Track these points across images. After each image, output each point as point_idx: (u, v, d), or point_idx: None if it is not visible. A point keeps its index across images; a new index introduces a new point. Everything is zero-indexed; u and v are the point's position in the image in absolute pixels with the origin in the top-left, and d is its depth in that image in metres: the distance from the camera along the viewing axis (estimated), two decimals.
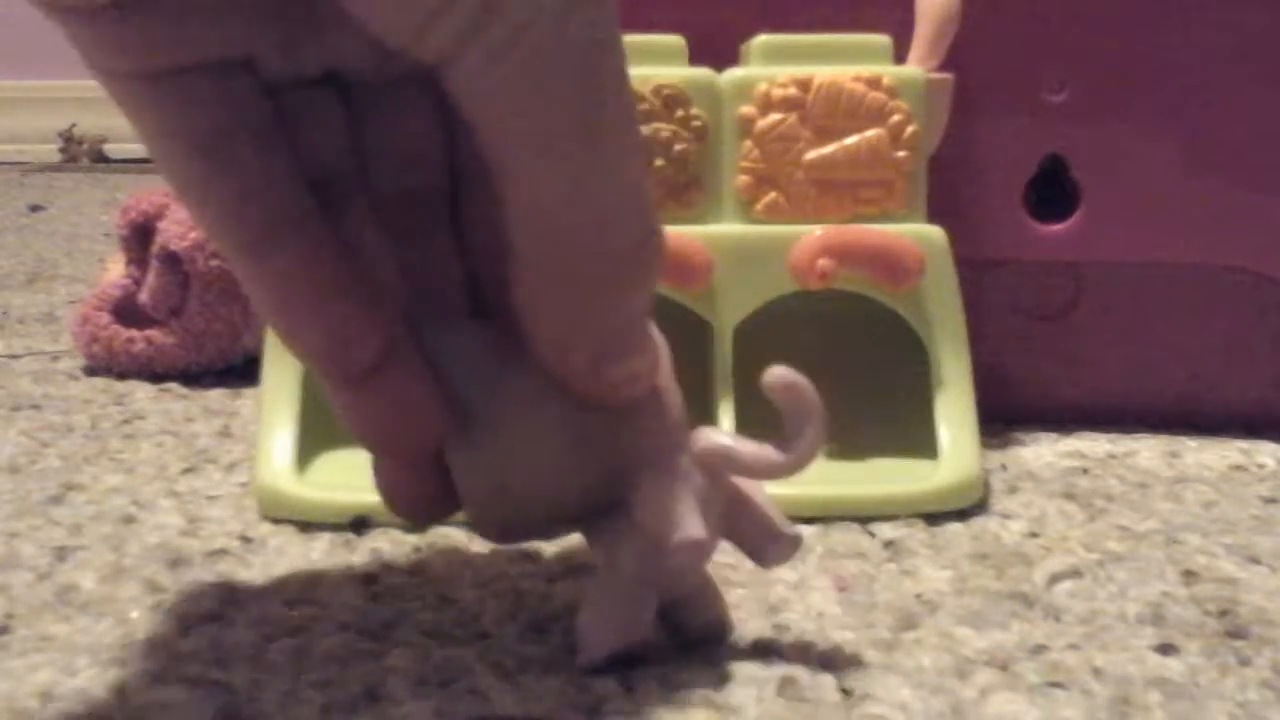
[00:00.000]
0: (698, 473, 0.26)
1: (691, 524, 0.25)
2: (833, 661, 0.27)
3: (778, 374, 0.25)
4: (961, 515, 0.36)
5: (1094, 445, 0.44)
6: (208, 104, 0.23)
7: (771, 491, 0.35)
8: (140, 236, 0.54)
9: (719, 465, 0.26)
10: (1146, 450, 0.43)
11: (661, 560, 0.25)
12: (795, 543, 0.27)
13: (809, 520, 0.36)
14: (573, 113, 0.21)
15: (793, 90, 0.39)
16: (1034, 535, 0.35)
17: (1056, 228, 0.45)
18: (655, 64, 0.40)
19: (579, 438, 0.26)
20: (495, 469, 0.26)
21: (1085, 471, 0.41)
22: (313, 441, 0.38)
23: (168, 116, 0.23)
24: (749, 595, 0.31)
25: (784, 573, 0.32)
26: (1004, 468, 0.41)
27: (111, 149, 1.71)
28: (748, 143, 0.40)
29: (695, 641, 0.28)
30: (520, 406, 0.26)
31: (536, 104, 0.21)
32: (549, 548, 0.34)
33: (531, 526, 0.28)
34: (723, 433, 0.27)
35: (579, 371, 0.25)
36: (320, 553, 0.34)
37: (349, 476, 0.37)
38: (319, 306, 0.25)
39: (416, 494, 0.27)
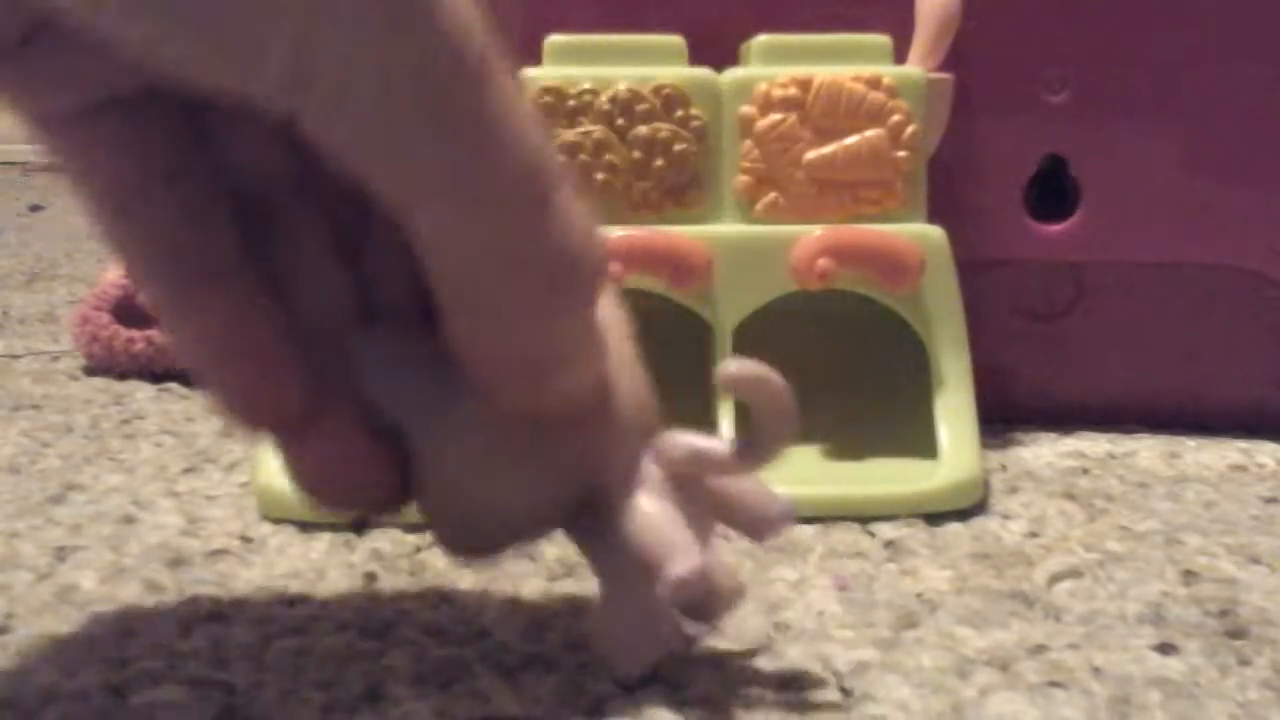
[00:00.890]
0: (673, 480, 0.26)
1: (684, 553, 0.24)
2: (832, 661, 0.27)
3: (730, 368, 0.24)
4: (961, 515, 0.36)
5: (1094, 445, 0.44)
6: (113, 150, 0.22)
7: None
8: None
9: (692, 469, 0.26)
10: (1146, 450, 0.43)
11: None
12: (788, 514, 0.26)
13: (809, 520, 0.36)
14: (435, 147, 0.20)
15: (793, 90, 0.39)
16: (1034, 535, 0.35)
17: (1056, 228, 0.45)
18: (655, 64, 0.40)
19: (534, 451, 0.25)
20: (451, 496, 0.25)
21: (1085, 471, 0.41)
22: None
23: (76, 165, 0.23)
24: (749, 595, 0.31)
25: (784, 572, 0.32)
26: (1004, 468, 0.41)
27: None
28: (748, 143, 0.40)
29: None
30: (468, 428, 0.25)
31: (393, 145, 0.20)
32: (549, 548, 0.34)
33: (501, 544, 0.27)
34: (688, 435, 0.26)
35: (513, 396, 0.23)
36: (320, 553, 0.34)
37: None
38: (234, 363, 0.24)
39: (352, 475, 0.25)
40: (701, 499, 0.26)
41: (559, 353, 0.23)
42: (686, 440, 0.26)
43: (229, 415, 0.25)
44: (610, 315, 0.25)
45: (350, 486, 0.25)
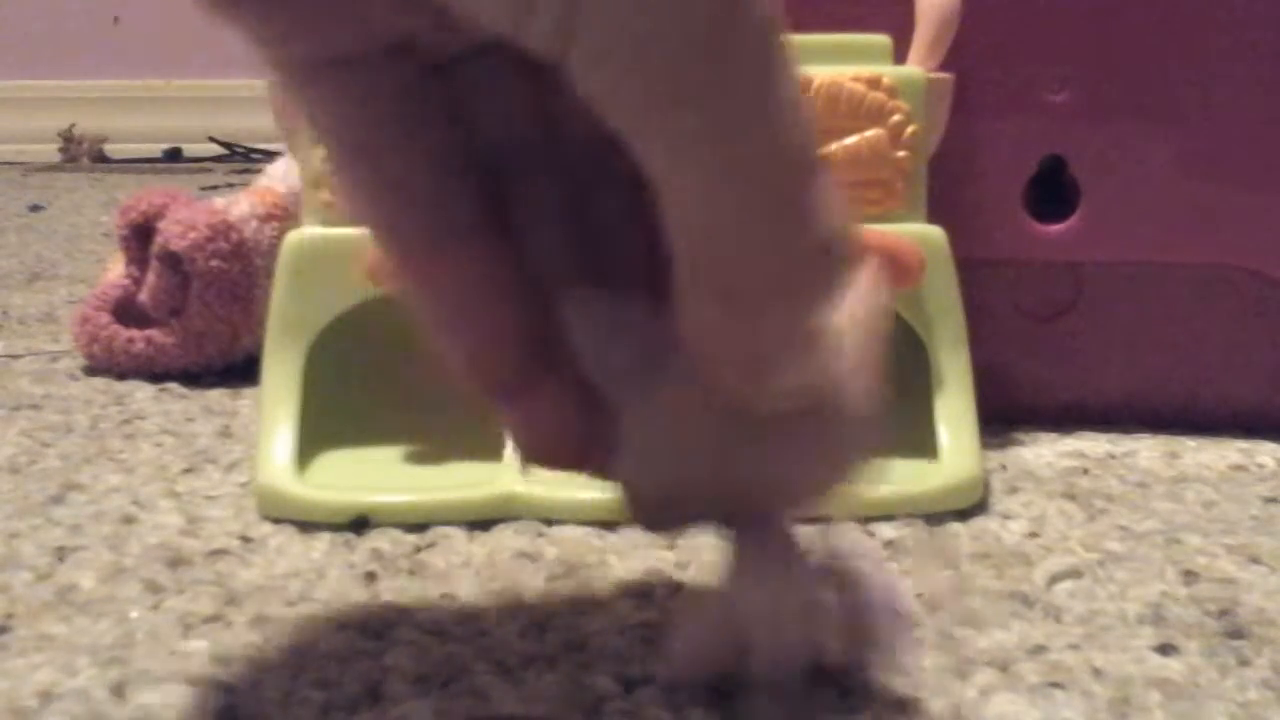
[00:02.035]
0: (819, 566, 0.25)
1: (776, 633, 0.24)
2: (832, 661, 0.27)
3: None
4: (961, 515, 0.36)
5: (1094, 445, 0.44)
6: (358, 101, 0.22)
7: None
8: (140, 236, 0.54)
9: (843, 578, 0.26)
10: (1146, 450, 0.43)
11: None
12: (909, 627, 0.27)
13: (809, 520, 0.36)
14: (701, 115, 0.19)
15: None
16: (1034, 535, 0.35)
17: (1056, 228, 0.45)
18: None
19: (739, 440, 0.24)
20: (647, 470, 0.25)
21: (1085, 471, 0.41)
22: (313, 441, 0.38)
23: (322, 116, 0.23)
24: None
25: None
26: (1004, 468, 0.41)
27: (111, 149, 1.70)
28: None
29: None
30: (677, 409, 0.24)
31: (656, 107, 0.19)
32: (549, 548, 0.34)
33: (686, 521, 0.26)
34: (862, 554, 0.26)
35: (734, 385, 0.23)
36: (320, 552, 0.34)
37: (349, 476, 0.38)
38: (468, 321, 0.24)
39: (559, 434, 0.25)
40: (832, 608, 0.26)
41: (790, 347, 0.22)
42: (856, 562, 0.26)
43: (454, 375, 0.24)
44: (860, 313, 0.24)
45: (563, 450, 0.25)
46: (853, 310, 0.23)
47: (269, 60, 0.22)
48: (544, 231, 0.25)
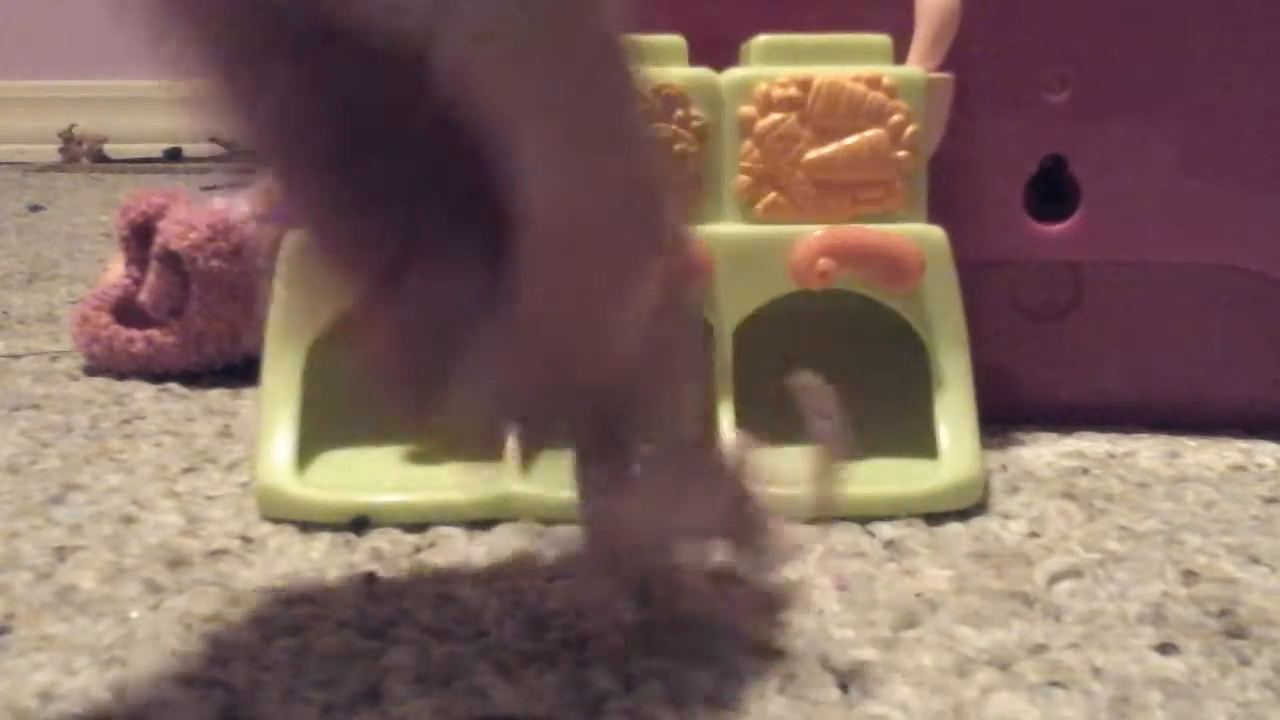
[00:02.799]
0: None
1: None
2: (833, 660, 0.27)
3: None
4: (961, 515, 0.36)
5: (1094, 445, 0.44)
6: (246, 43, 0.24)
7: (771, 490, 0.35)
8: (140, 236, 0.54)
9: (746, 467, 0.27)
10: (1146, 450, 0.43)
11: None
12: (785, 556, 0.28)
13: (809, 520, 0.36)
14: (553, 99, 0.22)
15: (793, 90, 0.39)
16: (1034, 535, 0.35)
17: (1056, 228, 0.45)
18: (655, 64, 0.40)
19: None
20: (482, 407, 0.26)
21: (1085, 471, 0.41)
22: (313, 441, 0.38)
23: (202, 28, 0.24)
24: (749, 594, 0.31)
25: (784, 572, 0.32)
26: (1004, 468, 0.41)
27: (111, 149, 1.71)
28: (748, 143, 0.40)
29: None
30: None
31: (513, 91, 0.22)
32: (549, 548, 0.34)
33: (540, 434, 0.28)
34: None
35: (560, 341, 0.25)
36: (320, 553, 0.34)
37: (349, 476, 0.38)
38: (322, 233, 0.26)
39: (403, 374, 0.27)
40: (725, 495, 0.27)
41: (615, 307, 0.24)
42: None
43: (324, 261, 0.26)
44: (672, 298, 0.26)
45: (400, 374, 0.27)
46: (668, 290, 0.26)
47: (185, 38, 0.24)
48: (398, 205, 0.26)
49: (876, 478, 0.38)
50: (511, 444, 0.36)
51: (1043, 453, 0.43)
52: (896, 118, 0.40)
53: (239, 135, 0.26)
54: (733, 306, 0.39)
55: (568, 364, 0.25)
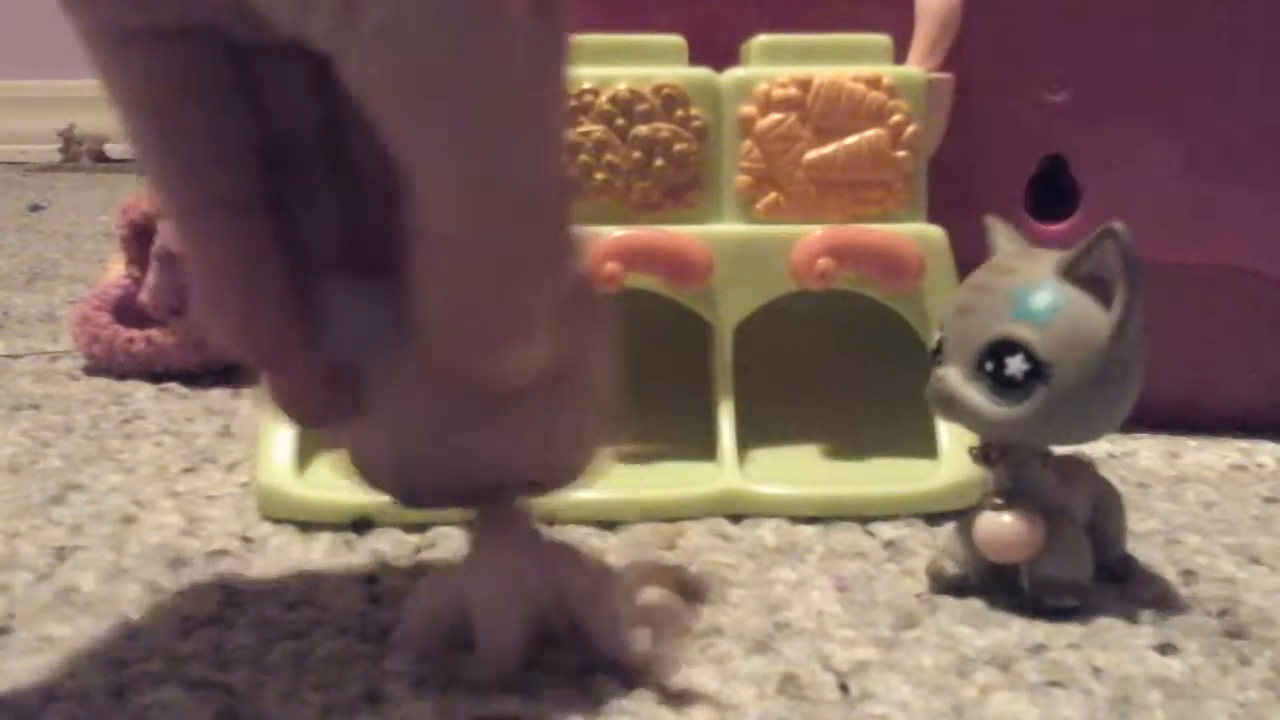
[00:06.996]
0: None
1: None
2: (833, 660, 0.27)
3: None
4: (961, 515, 0.36)
5: (1094, 445, 0.44)
6: (168, 64, 0.24)
7: (766, 492, 0.35)
8: (140, 236, 0.54)
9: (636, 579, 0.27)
10: (1146, 450, 0.43)
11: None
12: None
13: (809, 520, 0.36)
14: (453, 111, 0.21)
15: (793, 90, 0.39)
16: None
17: (1056, 228, 0.45)
18: (655, 64, 0.40)
19: (464, 416, 0.25)
20: (390, 440, 0.26)
21: None
22: (313, 441, 0.38)
23: (124, 78, 0.24)
24: (749, 595, 0.31)
25: (784, 572, 0.32)
26: None
27: (111, 149, 1.71)
28: (748, 143, 0.40)
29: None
30: (414, 379, 0.25)
31: (413, 103, 0.21)
32: None
33: (431, 497, 0.27)
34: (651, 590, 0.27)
35: (460, 360, 0.24)
36: (320, 553, 0.34)
37: (349, 477, 0.37)
38: (236, 291, 0.25)
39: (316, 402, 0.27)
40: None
41: (515, 328, 0.24)
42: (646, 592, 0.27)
43: (225, 344, 0.26)
44: (584, 312, 0.26)
45: (309, 415, 0.27)
46: (579, 305, 0.25)
47: (77, 27, 0.24)
48: (314, 217, 0.26)
49: (876, 478, 0.38)
50: None
51: None
52: (896, 118, 0.39)
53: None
54: (732, 306, 0.39)
55: (469, 388, 0.25)
